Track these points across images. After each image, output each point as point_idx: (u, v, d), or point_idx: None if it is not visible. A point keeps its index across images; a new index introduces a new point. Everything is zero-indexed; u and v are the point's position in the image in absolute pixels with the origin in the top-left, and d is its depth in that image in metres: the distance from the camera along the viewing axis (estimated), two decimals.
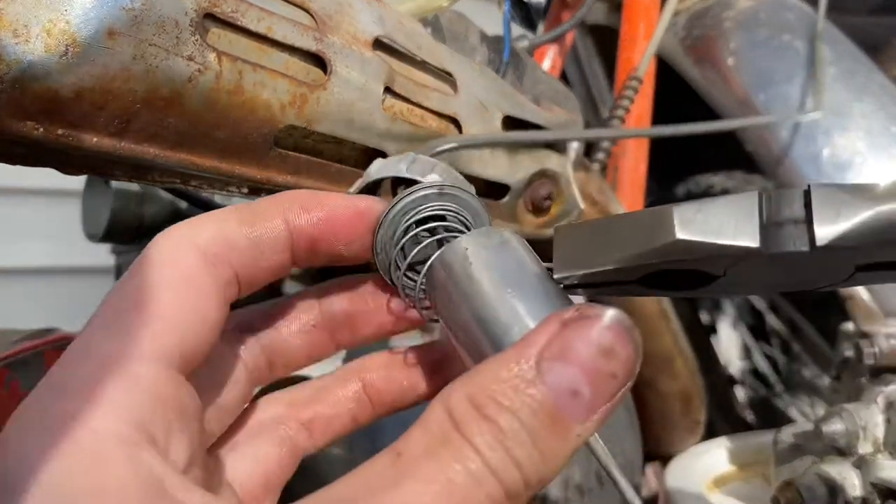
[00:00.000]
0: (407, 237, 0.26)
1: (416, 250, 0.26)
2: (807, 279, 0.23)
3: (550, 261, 0.24)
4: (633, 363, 0.20)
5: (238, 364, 0.27)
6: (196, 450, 0.21)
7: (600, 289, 0.24)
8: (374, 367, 0.30)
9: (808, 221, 0.21)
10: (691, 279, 0.24)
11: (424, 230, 0.27)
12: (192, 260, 0.22)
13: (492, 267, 0.23)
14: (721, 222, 0.21)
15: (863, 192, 0.20)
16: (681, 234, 0.21)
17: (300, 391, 0.29)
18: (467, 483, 0.18)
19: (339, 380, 0.30)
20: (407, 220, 0.26)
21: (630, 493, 0.23)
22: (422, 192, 0.26)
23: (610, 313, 0.20)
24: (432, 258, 0.25)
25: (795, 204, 0.21)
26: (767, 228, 0.21)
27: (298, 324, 0.29)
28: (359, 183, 0.27)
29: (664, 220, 0.22)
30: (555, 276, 0.24)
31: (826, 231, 0.20)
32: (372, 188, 0.30)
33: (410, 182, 0.30)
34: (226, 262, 0.23)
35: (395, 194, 0.27)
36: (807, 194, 0.21)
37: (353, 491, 0.19)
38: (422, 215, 0.26)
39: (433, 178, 0.25)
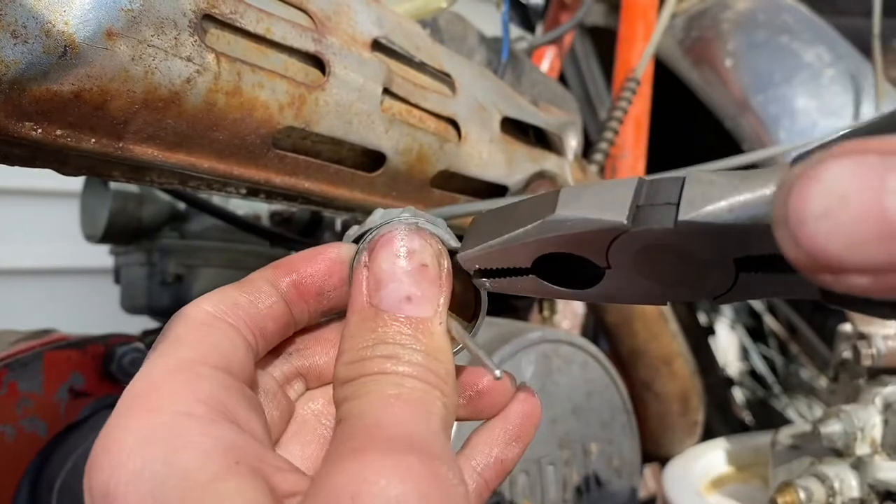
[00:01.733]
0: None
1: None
2: (688, 281, 0.22)
3: None
4: (430, 247, 0.24)
5: (276, 388, 0.27)
6: (266, 435, 0.23)
7: (503, 278, 0.25)
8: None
9: (677, 203, 0.21)
10: (581, 275, 0.24)
11: None
12: (205, 314, 0.24)
13: None
14: (599, 202, 0.22)
15: (734, 178, 0.20)
16: (559, 210, 0.22)
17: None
18: (399, 396, 0.21)
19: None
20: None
21: (490, 363, 0.25)
22: (389, 223, 0.27)
23: (388, 229, 0.24)
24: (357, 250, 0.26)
25: (672, 189, 0.22)
26: (640, 209, 0.22)
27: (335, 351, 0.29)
28: (357, 229, 0.28)
29: (550, 200, 0.23)
30: (459, 257, 0.25)
31: (690, 210, 0.20)
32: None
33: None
34: (233, 313, 0.25)
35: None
36: (684, 181, 0.21)
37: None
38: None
39: (405, 216, 0.26)
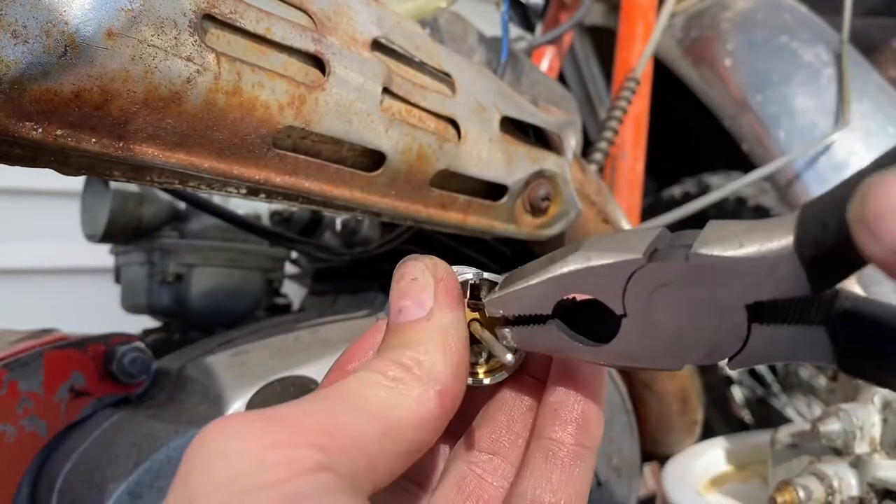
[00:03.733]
0: None
1: None
2: (703, 335, 0.22)
3: None
4: (419, 265, 0.26)
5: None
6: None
7: (526, 327, 0.26)
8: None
9: (692, 244, 0.22)
10: (600, 328, 0.25)
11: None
12: None
13: None
14: (620, 245, 0.23)
15: (752, 224, 0.21)
16: (581, 251, 0.24)
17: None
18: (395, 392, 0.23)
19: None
20: None
21: (500, 349, 0.26)
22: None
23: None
24: None
25: (691, 235, 0.23)
26: (657, 251, 0.23)
27: None
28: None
29: (575, 246, 0.24)
30: (486, 308, 0.27)
31: (702, 247, 0.21)
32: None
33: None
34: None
35: None
36: (704, 228, 0.22)
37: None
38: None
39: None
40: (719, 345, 0.23)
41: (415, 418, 0.23)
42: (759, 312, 0.22)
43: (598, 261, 0.23)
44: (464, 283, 0.27)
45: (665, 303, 0.23)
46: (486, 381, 0.27)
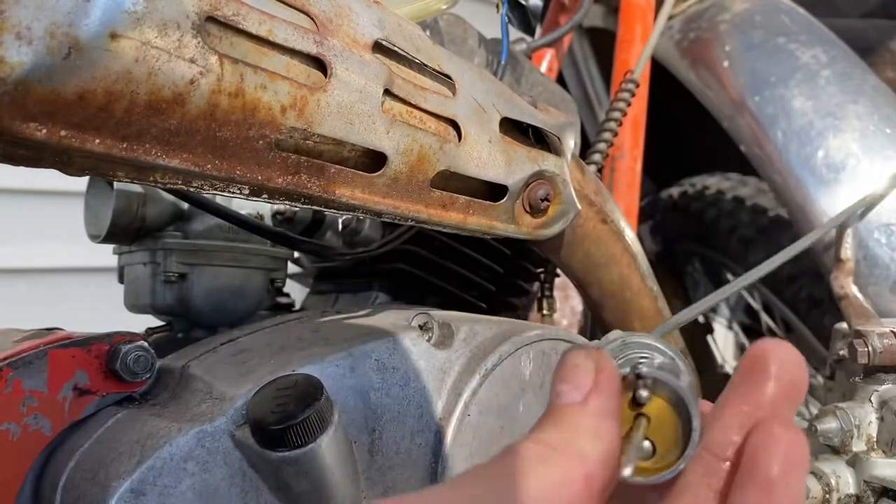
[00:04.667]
0: None
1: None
2: None
3: None
4: (582, 352, 0.27)
5: None
6: None
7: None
8: None
9: None
10: None
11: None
12: None
13: None
14: None
15: None
16: None
17: None
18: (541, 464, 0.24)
19: None
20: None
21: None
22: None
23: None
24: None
25: None
26: None
27: None
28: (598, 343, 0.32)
29: None
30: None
31: None
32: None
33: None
34: None
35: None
36: None
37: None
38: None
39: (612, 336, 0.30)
40: None
41: (558, 499, 0.23)
42: None
43: None
44: (636, 377, 0.27)
45: None
46: (651, 479, 0.26)
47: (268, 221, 0.71)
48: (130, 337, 0.42)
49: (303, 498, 0.40)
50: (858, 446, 0.56)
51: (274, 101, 0.35)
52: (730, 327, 1.46)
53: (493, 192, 0.51)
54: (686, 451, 0.26)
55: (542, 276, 0.75)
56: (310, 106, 0.37)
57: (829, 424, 0.56)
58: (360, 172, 0.42)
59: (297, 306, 0.79)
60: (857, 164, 0.80)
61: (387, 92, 0.41)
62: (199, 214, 0.66)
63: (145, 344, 0.43)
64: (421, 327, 0.48)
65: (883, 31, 1.13)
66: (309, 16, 0.37)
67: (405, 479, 0.45)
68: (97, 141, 0.31)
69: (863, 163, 0.80)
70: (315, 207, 0.42)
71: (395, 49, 0.43)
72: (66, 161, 0.32)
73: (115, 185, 0.62)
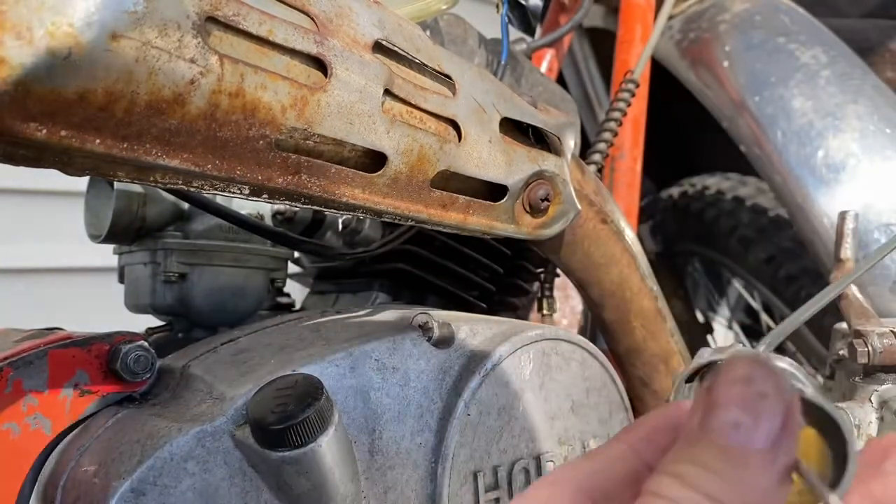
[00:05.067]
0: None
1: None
2: None
3: None
4: (772, 378, 0.21)
5: None
6: None
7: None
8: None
9: None
10: None
11: None
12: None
13: None
14: None
15: None
16: None
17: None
18: None
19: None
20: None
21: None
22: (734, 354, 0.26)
23: (733, 354, 0.22)
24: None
25: None
26: None
27: None
28: (689, 368, 0.28)
29: None
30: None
31: None
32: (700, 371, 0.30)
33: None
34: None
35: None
36: None
37: None
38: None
39: (738, 347, 0.25)
40: None
41: None
42: None
43: None
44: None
45: None
46: None
47: (268, 221, 0.71)
48: (131, 337, 0.42)
49: (303, 498, 0.40)
50: (859, 446, 0.56)
51: (274, 101, 0.35)
52: (730, 327, 1.46)
53: (493, 192, 0.51)
54: (843, 481, 0.23)
55: (542, 276, 0.75)
56: (310, 106, 0.37)
57: None
58: (361, 172, 0.42)
59: (297, 306, 0.79)
60: (857, 164, 0.80)
61: (387, 92, 0.41)
62: (199, 214, 0.66)
63: (145, 344, 0.43)
64: (421, 327, 0.48)
65: (883, 31, 1.13)
66: (309, 16, 0.37)
67: (405, 479, 0.45)
68: (97, 141, 0.31)
69: (863, 163, 0.80)
70: (315, 207, 0.42)
71: (396, 49, 0.43)
72: (66, 161, 0.32)
73: (116, 185, 0.62)
